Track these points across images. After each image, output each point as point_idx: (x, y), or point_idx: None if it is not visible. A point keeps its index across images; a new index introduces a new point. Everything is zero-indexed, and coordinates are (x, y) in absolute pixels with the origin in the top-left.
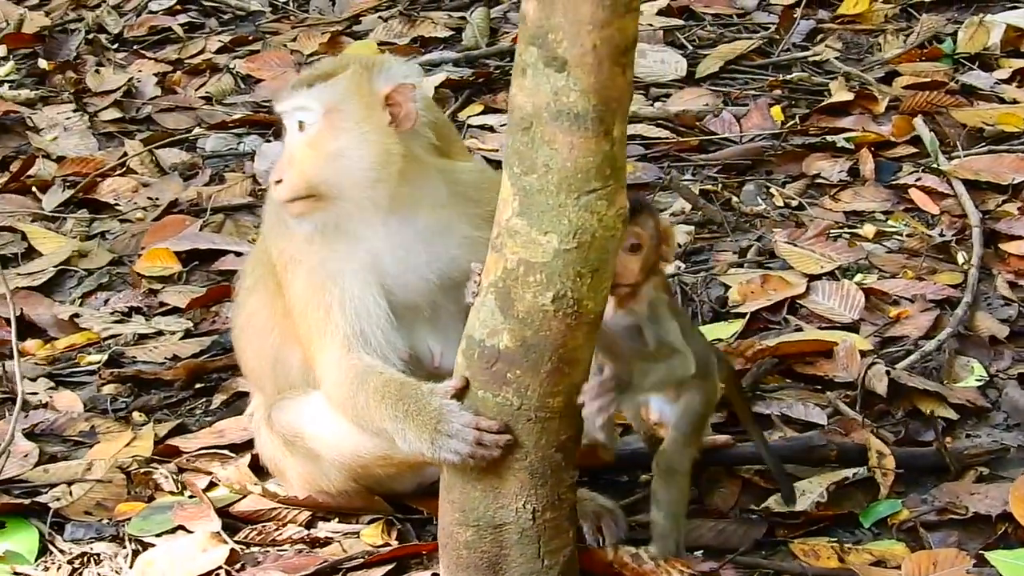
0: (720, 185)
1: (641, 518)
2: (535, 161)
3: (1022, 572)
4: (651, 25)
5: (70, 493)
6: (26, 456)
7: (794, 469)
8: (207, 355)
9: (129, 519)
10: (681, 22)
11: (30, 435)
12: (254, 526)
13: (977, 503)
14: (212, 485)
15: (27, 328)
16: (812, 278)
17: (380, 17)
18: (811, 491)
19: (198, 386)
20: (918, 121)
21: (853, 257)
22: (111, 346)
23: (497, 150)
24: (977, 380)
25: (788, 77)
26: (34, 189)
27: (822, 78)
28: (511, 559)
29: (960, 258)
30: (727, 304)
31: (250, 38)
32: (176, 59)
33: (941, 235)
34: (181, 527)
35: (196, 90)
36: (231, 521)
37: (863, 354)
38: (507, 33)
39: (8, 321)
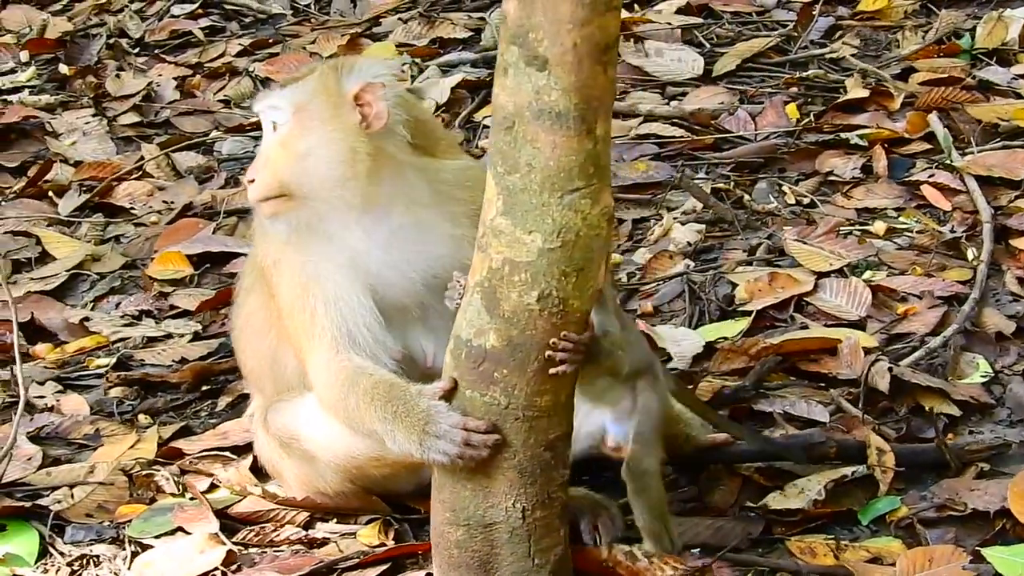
0: (732, 183)
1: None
2: (518, 160)
3: (1019, 568)
4: (669, 24)
5: (72, 496)
6: (29, 459)
7: (793, 467)
8: (214, 357)
9: (130, 521)
10: (700, 20)
11: (35, 438)
12: (252, 527)
13: (976, 499)
14: (213, 487)
15: (38, 332)
16: (821, 276)
17: (400, 19)
18: (810, 488)
19: (204, 388)
20: (932, 117)
21: (863, 254)
22: (120, 349)
23: None
24: (982, 376)
25: (804, 74)
26: (51, 194)
27: (839, 75)
28: (502, 558)
29: (970, 254)
30: (734, 302)
31: (270, 41)
32: (196, 63)
33: (952, 231)
34: (180, 529)
35: (215, 94)
36: (230, 522)
37: (867, 351)
38: None
39: (15, 325)
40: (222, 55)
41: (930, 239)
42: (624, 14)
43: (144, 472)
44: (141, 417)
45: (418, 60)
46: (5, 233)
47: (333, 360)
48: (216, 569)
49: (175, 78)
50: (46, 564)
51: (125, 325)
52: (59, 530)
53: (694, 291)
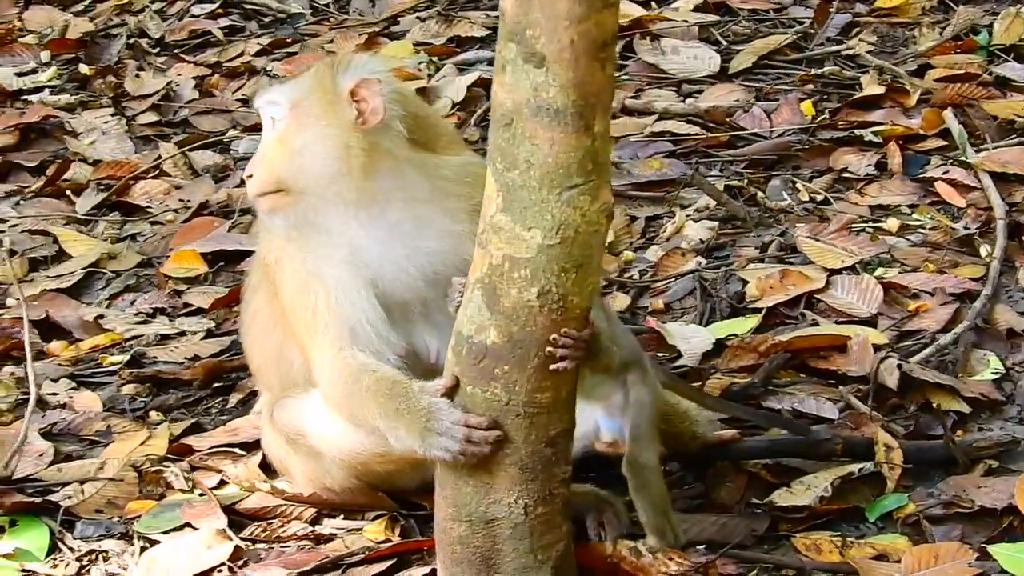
0: (746, 181)
1: None
2: (517, 157)
3: None
4: (686, 21)
5: (82, 492)
6: (41, 455)
7: (801, 463)
8: (226, 355)
9: (139, 517)
10: (716, 18)
11: (47, 435)
12: (260, 523)
13: (983, 496)
14: (222, 483)
15: (53, 330)
16: (832, 272)
17: (418, 17)
18: (816, 485)
19: (216, 385)
20: (948, 114)
21: (875, 251)
22: (133, 347)
23: None
24: (993, 373)
25: (820, 71)
26: (68, 193)
27: (854, 72)
28: (504, 554)
29: (983, 251)
30: (745, 299)
31: (289, 40)
32: (215, 62)
33: (966, 228)
34: (188, 524)
35: (233, 93)
36: (238, 518)
37: (877, 348)
38: None
39: (29, 323)
40: (241, 54)
41: (943, 236)
42: (640, 12)
43: (154, 468)
44: (153, 414)
45: (435, 58)
46: (23, 232)
47: (336, 357)
48: (223, 564)
49: (194, 77)
50: (55, 559)
51: (139, 323)
52: (69, 525)
53: (705, 288)
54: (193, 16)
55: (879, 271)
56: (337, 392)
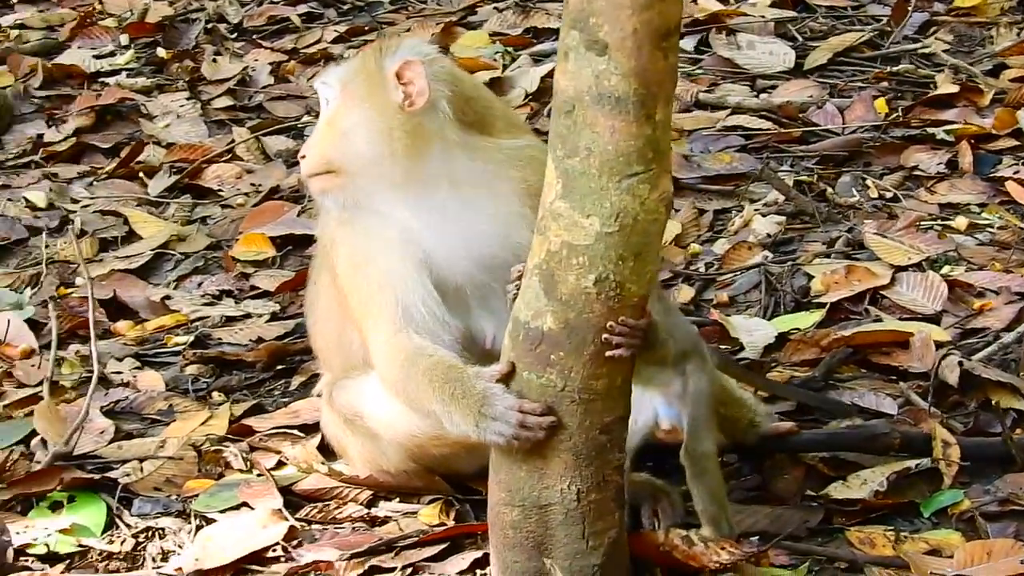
0: (816, 176)
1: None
2: (577, 144)
3: None
4: (763, 16)
5: (141, 469)
6: (102, 433)
7: (857, 457)
8: (290, 338)
9: (196, 495)
10: (794, 14)
11: (109, 413)
12: (316, 504)
13: None
14: (280, 464)
15: (120, 310)
16: (898, 269)
17: (495, 8)
18: (873, 479)
19: (278, 368)
20: (1021, 114)
21: (942, 249)
22: (198, 328)
23: None
24: None
25: (895, 69)
26: (141, 175)
27: (929, 70)
28: (556, 539)
29: None
30: (809, 294)
31: (366, 28)
32: (292, 48)
33: None
34: (245, 504)
35: (308, 79)
36: (294, 499)
37: (939, 345)
38: None
39: (97, 303)
40: (318, 41)
41: (1011, 235)
42: (718, 7)
43: (213, 448)
44: (215, 394)
45: (511, 49)
46: (95, 212)
47: (392, 339)
48: (277, 544)
49: (270, 63)
50: (112, 535)
51: (205, 304)
52: (126, 503)
53: (771, 282)
54: (272, 2)
55: (945, 269)
56: (393, 374)
